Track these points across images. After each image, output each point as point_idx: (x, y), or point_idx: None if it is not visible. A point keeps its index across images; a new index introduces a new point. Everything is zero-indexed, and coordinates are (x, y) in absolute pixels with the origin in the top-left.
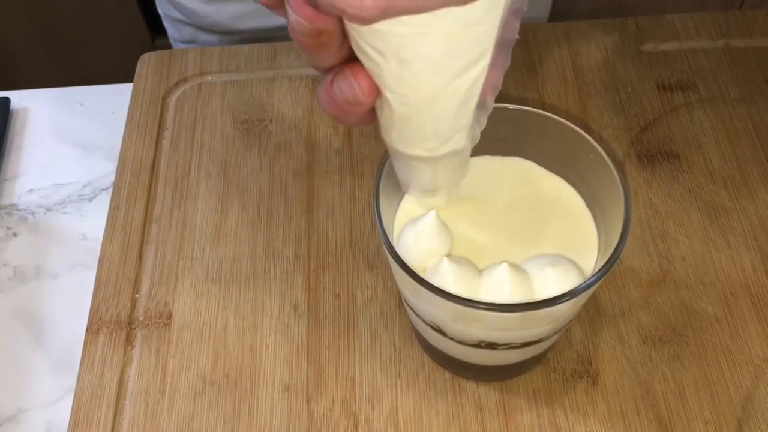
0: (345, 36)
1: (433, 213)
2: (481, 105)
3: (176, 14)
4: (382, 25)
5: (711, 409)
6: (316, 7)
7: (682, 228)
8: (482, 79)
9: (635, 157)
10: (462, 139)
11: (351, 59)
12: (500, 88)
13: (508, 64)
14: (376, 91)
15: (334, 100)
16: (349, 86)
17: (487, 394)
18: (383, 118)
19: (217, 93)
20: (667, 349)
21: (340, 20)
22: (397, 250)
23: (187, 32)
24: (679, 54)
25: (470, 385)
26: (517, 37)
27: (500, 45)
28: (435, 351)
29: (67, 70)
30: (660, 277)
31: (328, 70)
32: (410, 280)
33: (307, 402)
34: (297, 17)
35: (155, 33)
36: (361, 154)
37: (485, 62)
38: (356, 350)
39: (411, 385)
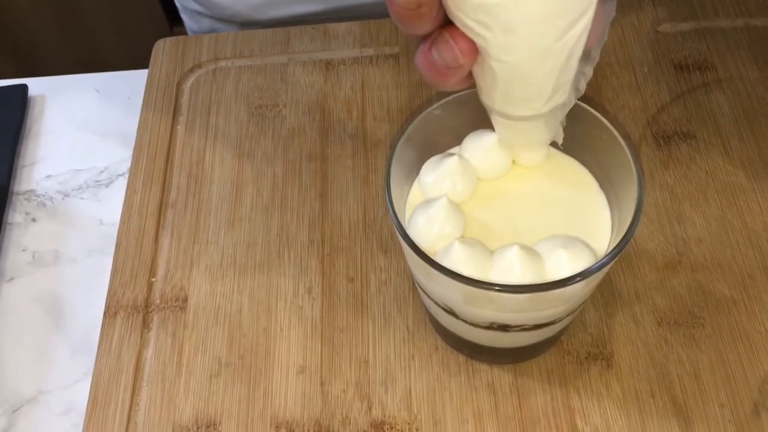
0: (441, 3)
1: (444, 197)
2: (585, 57)
3: (195, 6)
4: None
5: (727, 392)
6: None
7: (698, 209)
8: (586, 33)
9: (651, 138)
10: (565, 93)
11: (447, 23)
12: (606, 38)
13: (614, 14)
14: (476, 53)
15: (433, 65)
16: (449, 50)
17: (501, 376)
18: (485, 83)
19: (232, 78)
20: (683, 332)
21: None
22: (409, 233)
23: (206, 24)
24: (697, 33)
25: (484, 368)
26: None
27: None
28: (448, 333)
29: (86, 58)
30: (676, 259)
31: (424, 37)
32: (421, 262)
33: (321, 384)
34: None
35: (173, 21)
36: (375, 138)
37: (590, 15)
38: (370, 333)
39: (424, 368)
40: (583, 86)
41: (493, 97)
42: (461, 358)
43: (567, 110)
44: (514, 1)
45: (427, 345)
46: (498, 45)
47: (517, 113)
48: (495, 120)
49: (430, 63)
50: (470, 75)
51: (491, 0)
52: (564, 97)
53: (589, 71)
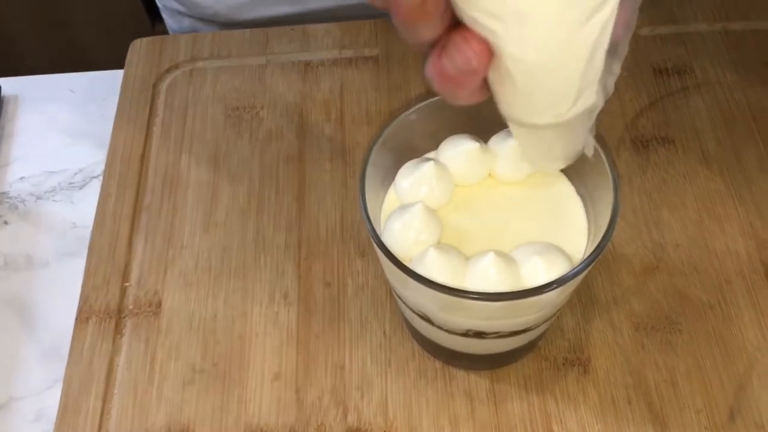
0: (448, 2)
1: (420, 203)
2: (612, 50)
3: (176, 5)
4: None
5: (703, 398)
6: None
7: (676, 214)
8: (612, 21)
9: (630, 142)
10: (593, 93)
11: (456, 26)
12: (634, 28)
13: None
14: (491, 55)
15: (445, 74)
16: (460, 54)
17: (478, 382)
18: (503, 90)
19: (209, 79)
20: (660, 337)
21: None
22: (384, 239)
23: (187, 24)
24: (676, 37)
25: (460, 374)
26: None
27: None
28: (424, 340)
29: (67, 56)
30: (653, 264)
31: (431, 45)
32: (396, 269)
33: (297, 391)
34: None
35: (155, 19)
36: (353, 141)
37: (615, 0)
38: (346, 338)
39: (401, 374)
40: (611, 85)
41: (513, 105)
42: (438, 364)
43: (596, 114)
44: None
45: (404, 350)
46: (512, 39)
47: (541, 121)
48: (517, 133)
49: (441, 72)
50: (487, 86)
51: None
52: (592, 98)
53: (617, 67)
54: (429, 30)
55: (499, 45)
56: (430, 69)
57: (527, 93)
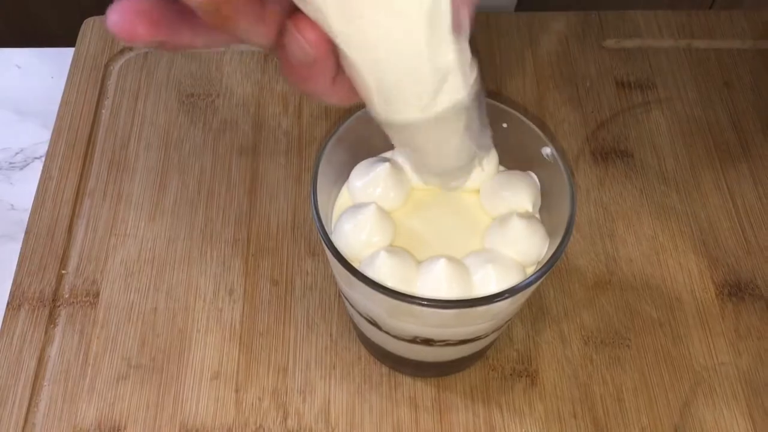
0: None
1: (374, 204)
2: (455, 29)
3: None
4: None
5: (648, 415)
6: None
7: (631, 229)
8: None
9: (589, 153)
10: (457, 84)
11: (293, 12)
12: (478, 0)
13: None
14: (326, 43)
15: (290, 66)
16: (295, 43)
17: (423, 390)
18: (357, 84)
19: (164, 63)
20: (609, 352)
21: None
22: (334, 239)
23: None
24: (641, 52)
25: (407, 381)
26: None
27: None
28: (371, 344)
29: (21, 31)
30: (606, 278)
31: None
32: (344, 270)
33: (236, 391)
34: None
35: None
36: (311, 135)
37: None
38: (291, 339)
39: (345, 378)
40: (472, 77)
41: (372, 101)
42: (384, 369)
43: (470, 117)
44: None
45: (349, 354)
46: (335, 12)
47: (405, 116)
48: (393, 138)
49: (287, 64)
50: (350, 87)
51: None
52: (459, 93)
53: (466, 47)
54: (250, 27)
55: (325, 20)
56: (282, 66)
57: (374, 79)
